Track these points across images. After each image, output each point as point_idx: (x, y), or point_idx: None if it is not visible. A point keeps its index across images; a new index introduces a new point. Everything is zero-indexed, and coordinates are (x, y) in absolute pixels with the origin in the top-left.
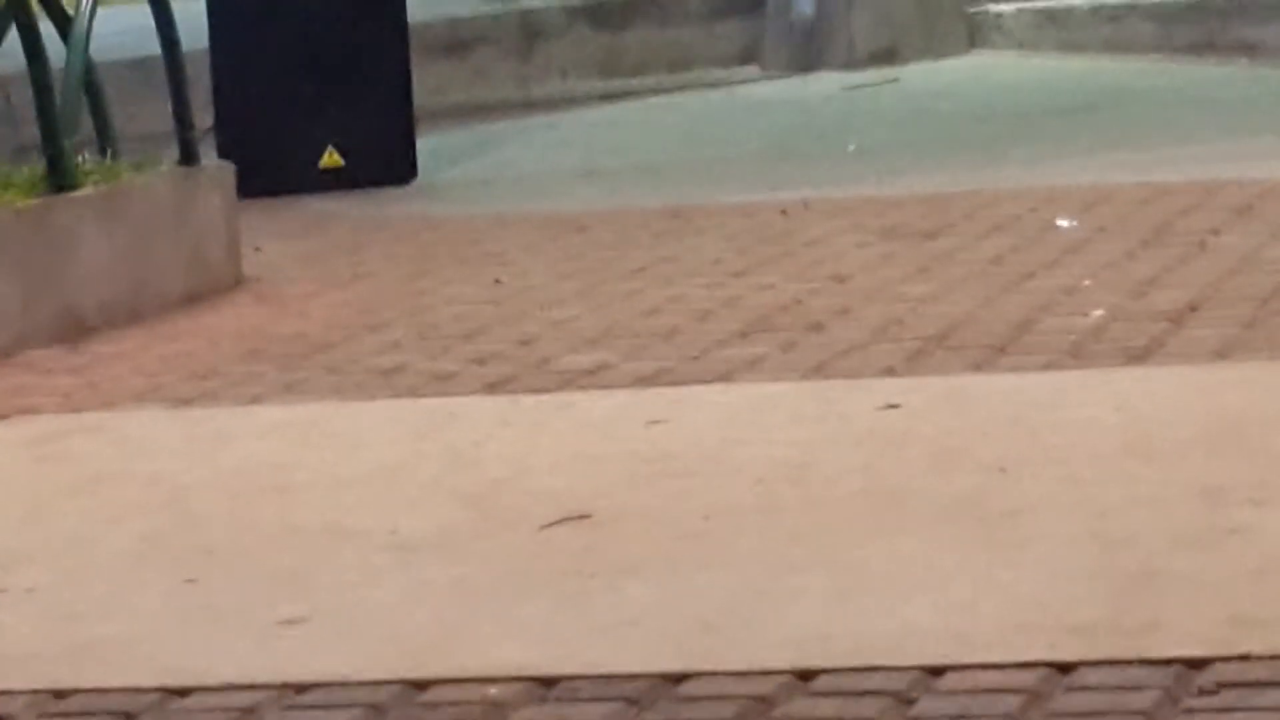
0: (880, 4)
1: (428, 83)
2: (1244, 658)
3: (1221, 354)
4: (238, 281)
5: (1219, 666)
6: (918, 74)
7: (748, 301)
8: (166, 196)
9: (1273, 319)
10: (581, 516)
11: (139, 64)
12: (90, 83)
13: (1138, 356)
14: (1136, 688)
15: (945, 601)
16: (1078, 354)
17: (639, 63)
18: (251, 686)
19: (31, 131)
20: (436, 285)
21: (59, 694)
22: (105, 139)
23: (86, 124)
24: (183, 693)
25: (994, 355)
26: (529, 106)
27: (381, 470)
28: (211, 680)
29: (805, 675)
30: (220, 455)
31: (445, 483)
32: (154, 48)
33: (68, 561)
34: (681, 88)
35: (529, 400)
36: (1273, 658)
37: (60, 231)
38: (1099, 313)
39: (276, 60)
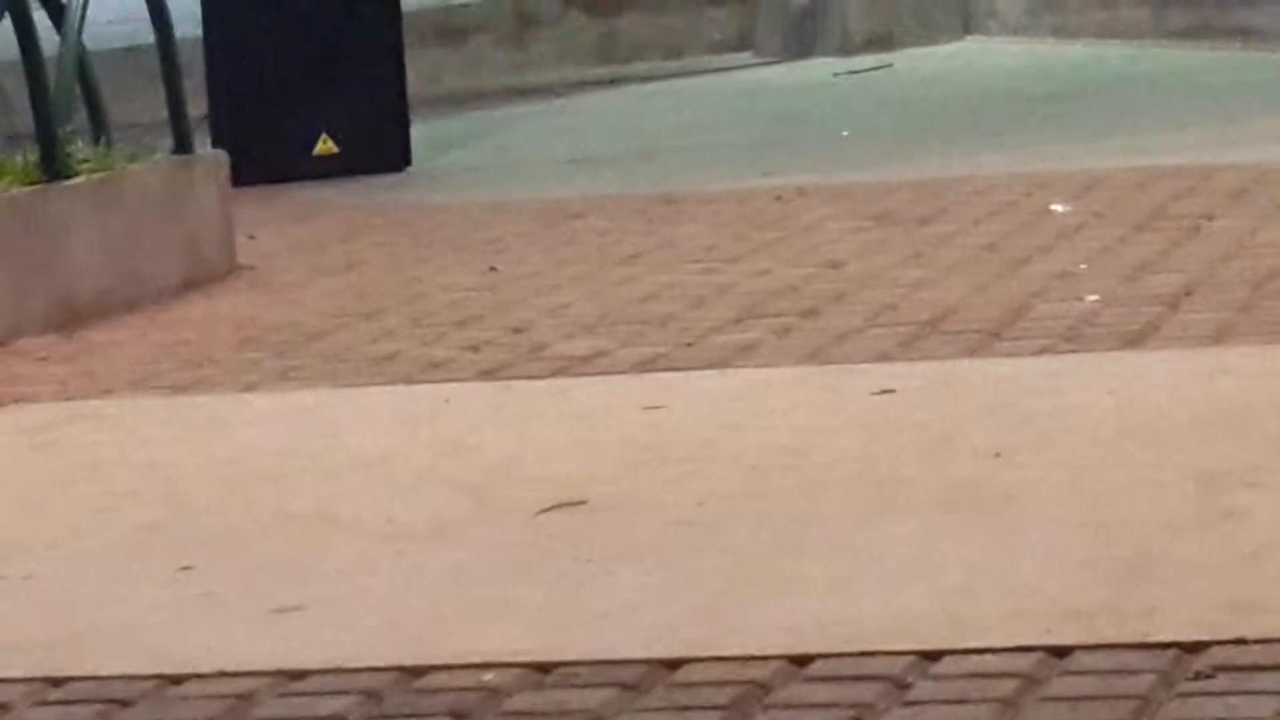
0: None
1: (422, 70)
2: (1239, 642)
3: (1216, 338)
4: (232, 270)
5: (1214, 650)
6: (912, 60)
7: (742, 287)
8: (161, 185)
9: (1267, 303)
10: (577, 503)
11: (133, 52)
12: (84, 70)
13: (1132, 341)
14: (1132, 672)
15: (941, 586)
16: (1072, 339)
17: (633, 49)
18: (247, 674)
19: (25, 119)
20: (431, 273)
21: (55, 681)
22: (99, 127)
23: (81, 112)
24: (178, 680)
25: (988, 340)
26: (523, 94)
27: (376, 458)
28: (207, 667)
29: (801, 660)
30: (215, 443)
31: (440, 470)
32: (148, 35)
33: (64, 549)
34: (675, 74)
35: (523, 387)
36: (1268, 641)
37: (54, 220)
38: (1093, 297)
39: (271, 48)
